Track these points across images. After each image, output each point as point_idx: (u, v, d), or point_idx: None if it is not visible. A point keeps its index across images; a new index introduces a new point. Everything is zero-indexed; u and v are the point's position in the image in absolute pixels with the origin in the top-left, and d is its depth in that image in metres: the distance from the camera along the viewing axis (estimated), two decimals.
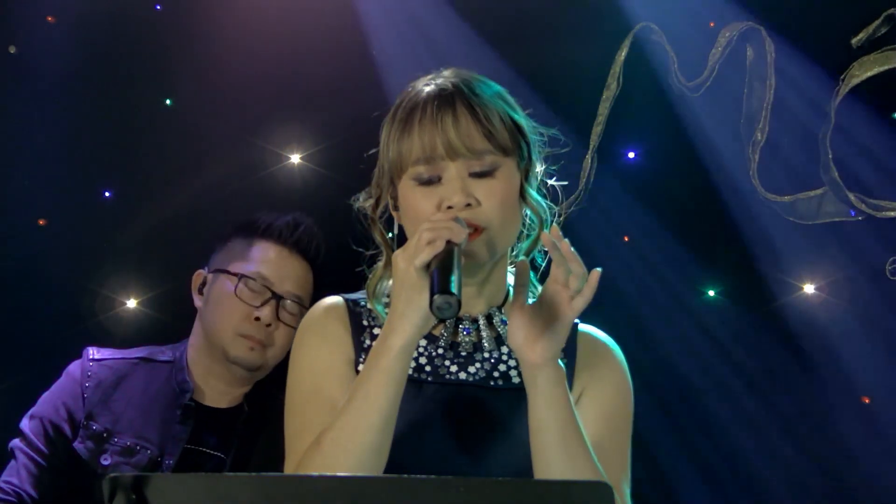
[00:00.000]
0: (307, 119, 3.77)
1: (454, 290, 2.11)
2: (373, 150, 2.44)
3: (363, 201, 2.45)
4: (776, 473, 3.53)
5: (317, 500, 1.80)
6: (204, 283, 3.41)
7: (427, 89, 2.37)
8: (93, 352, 3.39)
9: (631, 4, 3.62)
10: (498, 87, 2.41)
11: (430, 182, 2.31)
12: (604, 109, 3.62)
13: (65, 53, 3.81)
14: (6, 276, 3.78)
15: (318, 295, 2.49)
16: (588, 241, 3.64)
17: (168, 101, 3.83)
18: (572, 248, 2.23)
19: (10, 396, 3.59)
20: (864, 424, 3.49)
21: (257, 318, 3.30)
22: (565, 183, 2.50)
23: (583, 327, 2.45)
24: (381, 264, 2.42)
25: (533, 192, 2.39)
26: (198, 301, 3.40)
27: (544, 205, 2.42)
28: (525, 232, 2.45)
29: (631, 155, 3.66)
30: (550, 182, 2.48)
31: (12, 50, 3.80)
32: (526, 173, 2.39)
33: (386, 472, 2.22)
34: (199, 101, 3.80)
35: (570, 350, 2.41)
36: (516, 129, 2.37)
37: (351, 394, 2.22)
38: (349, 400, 2.22)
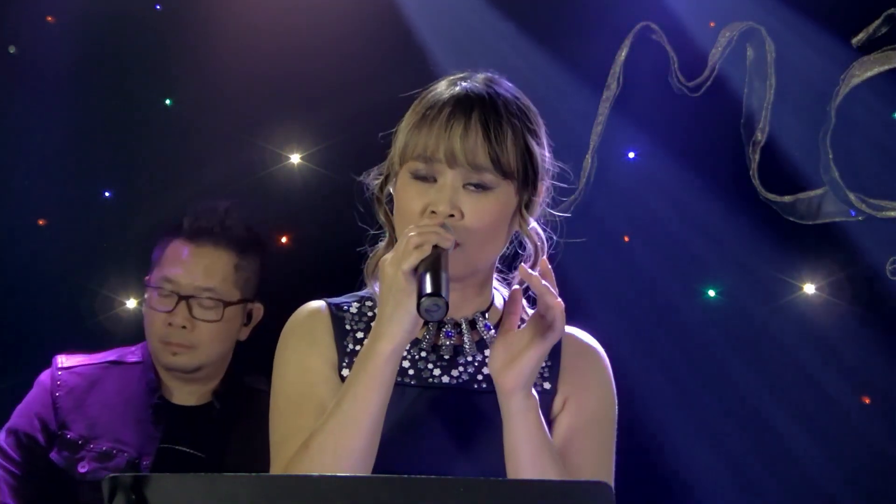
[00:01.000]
0: (307, 119, 3.77)
1: (442, 292, 2.12)
2: (391, 131, 2.43)
3: (372, 178, 2.45)
4: (776, 473, 3.53)
5: (316, 501, 1.80)
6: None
7: (451, 91, 2.35)
8: (62, 360, 3.36)
9: (631, 4, 3.63)
10: (526, 105, 2.38)
11: (425, 179, 2.31)
12: (604, 109, 3.62)
13: (65, 53, 3.82)
14: (6, 276, 3.78)
15: (302, 298, 2.48)
16: (588, 241, 3.64)
17: (168, 101, 3.83)
18: (544, 282, 2.23)
19: (10, 396, 3.59)
20: (864, 424, 3.49)
21: (171, 324, 3.27)
22: (568, 216, 2.49)
23: (568, 329, 2.45)
24: (383, 243, 2.42)
25: (532, 221, 2.38)
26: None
27: (542, 235, 2.40)
28: (528, 254, 2.43)
29: (631, 155, 3.66)
30: (552, 211, 2.47)
31: (12, 50, 3.80)
32: (528, 201, 2.37)
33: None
34: (198, 101, 3.80)
35: (555, 351, 2.40)
36: (527, 153, 2.35)
37: (339, 398, 2.22)
38: (337, 404, 2.22)
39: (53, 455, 3.25)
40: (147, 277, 3.37)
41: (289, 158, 3.80)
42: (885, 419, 3.46)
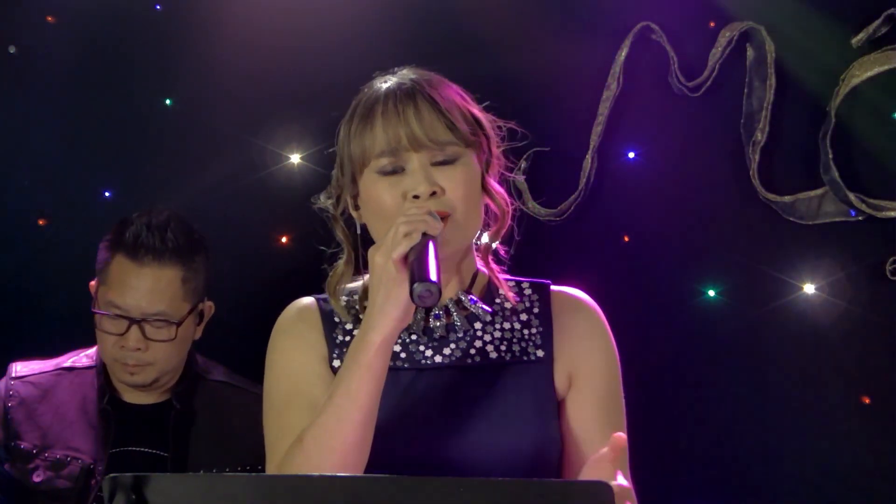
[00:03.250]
0: (307, 119, 3.77)
1: (434, 277, 2.13)
2: (331, 149, 2.46)
3: (323, 201, 2.47)
4: (776, 473, 3.53)
5: (316, 500, 1.80)
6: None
7: (385, 86, 2.40)
8: (16, 368, 3.33)
9: (631, 4, 3.63)
10: (455, 85, 2.44)
11: (393, 173, 2.33)
12: (604, 109, 3.62)
13: (65, 53, 3.82)
14: (6, 276, 3.78)
15: (311, 293, 2.49)
16: (588, 241, 3.64)
17: (168, 101, 3.83)
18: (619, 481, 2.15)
19: None
20: (864, 424, 3.49)
21: (124, 346, 3.22)
22: (522, 177, 2.52)
23: (556, 287, 2.46)
24: (342, 262, 2.44)
25: (495, 184, 2.41)
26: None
27: (507, 198, 2.44)
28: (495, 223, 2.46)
29: (631, 155, 3.66)
30: (513, 175, 2.51)
31: (12, 50, 3.81)
32: (488, 166, 2.41)
33: (370, 463, 2.22)
34: (199, 100, 3.81)
35: (544, 314, 2.41)
36: (476, 122, 2.39)
37: (331, 392, 2.23)
38: (329, 398, 2.22)
39: (6, 466, 3.22)
40: (92, 284, 3.29)
41: (289, 158, 3.80)
42: (885, 419, 3.46)
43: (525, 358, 2.38)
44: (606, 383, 2.41)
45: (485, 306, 2.40)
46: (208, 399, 3.35)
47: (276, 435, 2.33)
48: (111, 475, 1.79)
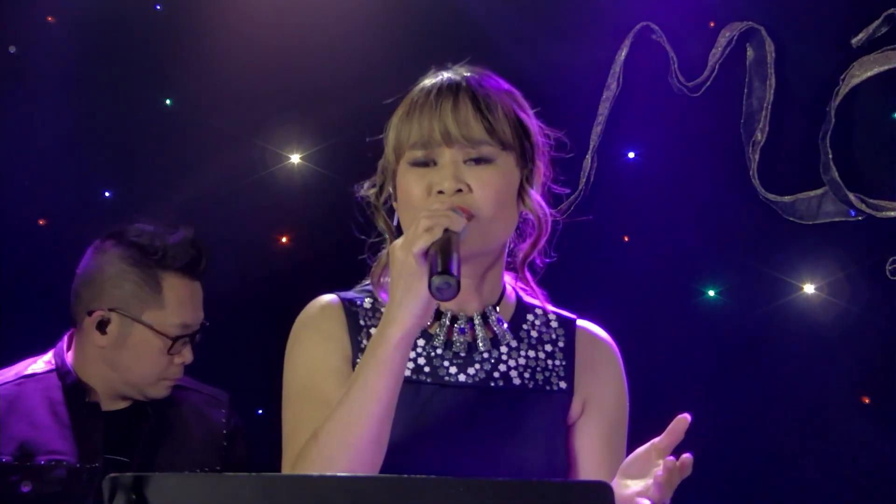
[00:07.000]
0: (307, 119, 3.77)
1: (453, 270, 2.12)
2: (378, 136, 2.44)
3: (366, 189, 2.45)
4: (776, 473, 3.53)
5: (317, 500, 1.80)
6: (105, 322, 3.23)
7: (435, 80, 2.38)
8: None
9: (631, 4, 3.63)
10: (510, 87, 2.41)
11: (424, 165, 2.32)
12: (604, 109, 3.63)
13: (65, 53, 3.82)
14: (6, 276, 3.78)
15: (301, 298, 2.48)
16: (588, 241, 3.64)
17: (168, 101, 3.83)
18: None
19: None
20: (864, 424, 3.49)
21: (182, 362, 3.23)
22: (567, 190, 2.50)
23: (581, 322, 2.45)
24: (384, 252, 2.41)
25: (534, 194, 2.38)
26: (99, 340, 3.21)
27: (545, 209, 2.40)
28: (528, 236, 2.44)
29: (631, 155, 3.67)
30: (553, 187, 2.47)
31: (12, 50, 3.81)
32: (529, 174, 2.38)
33: (382, 473, 2.21)
34: (198, 100, 3.81)
35: (569, 347, 2.41)
36: (520, 127, 2.36)
37: (348, 386, 2.21)
38: (346, 392, 2.20)
39: None
40: (101, 313, 3.21)
41: (289, 158, 3.80)
42: (885, 419, 3.46)
43: (548, 388, 2.37)
44: (615, 418, 2.43)
45: (510, 332, 2.39)
46: (177, 413, 3.32)
47: (292, 428, 2.32)
48: (111, 475, 1.79)
